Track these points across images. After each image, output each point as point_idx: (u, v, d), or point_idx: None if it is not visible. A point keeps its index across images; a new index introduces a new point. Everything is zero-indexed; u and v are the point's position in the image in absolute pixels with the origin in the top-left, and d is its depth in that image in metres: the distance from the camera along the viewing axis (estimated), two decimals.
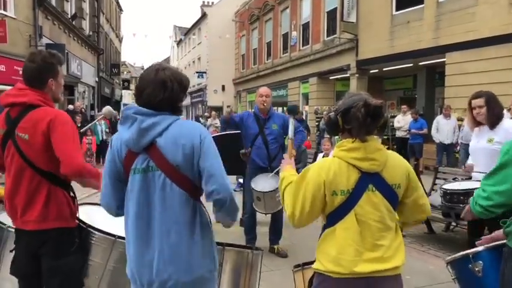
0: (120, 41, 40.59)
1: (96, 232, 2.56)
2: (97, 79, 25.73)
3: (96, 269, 2.55)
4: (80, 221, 2.57)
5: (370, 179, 1.97)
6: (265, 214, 5.20)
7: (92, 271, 2.55)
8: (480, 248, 2.34)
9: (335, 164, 2.00)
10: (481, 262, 2.30)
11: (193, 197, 1.99)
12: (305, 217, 2.01)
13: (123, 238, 2.46)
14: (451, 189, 4.41)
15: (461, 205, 4.38)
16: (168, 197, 1.95)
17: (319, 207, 2.00)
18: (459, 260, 2.42)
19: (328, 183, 1.96)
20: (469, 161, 4.53)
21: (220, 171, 1.97)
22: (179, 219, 1.95)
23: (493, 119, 4.08)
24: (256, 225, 5.40)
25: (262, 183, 4.95)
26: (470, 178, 4.46)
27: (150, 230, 1.96)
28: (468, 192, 4.23)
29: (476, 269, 2.30)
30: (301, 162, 8.42)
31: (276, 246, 5.28)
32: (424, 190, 6.70)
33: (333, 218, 2.00)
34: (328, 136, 9.76)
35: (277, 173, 5.06)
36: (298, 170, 7.62)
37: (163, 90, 1.97)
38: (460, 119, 11.22)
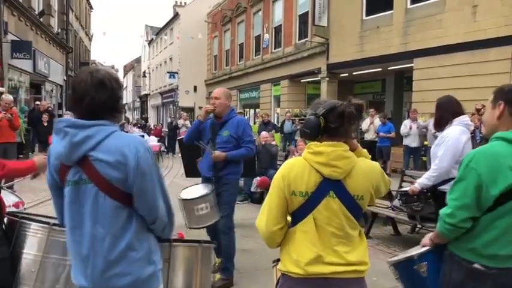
0: (90, 39, 39.83)
1: (30, 222, 2.48)
2: (65, 78, 25.17)
3: (32, 262, 2.44)
4: (11, 213, 2.48)
5: (331, 185, 1.98)
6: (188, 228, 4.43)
7: (27, 265, 2.44)
8: (423, 250, 2.41)
9: (299, 164, 2.03)
10: (425, 263, 2.39)
11: (128, 205, 1.94)
12: (272, 220, 2.04)
13: (58, 225, 2.42)
14: (403, 190, 4.66)
15: (415, 203, 4.62)
16: (100, 208, 1.90)
17: (283, 207, 2.04)
18: (405, 262, 2.49)
19: (287, 182, 2.00)
20: (416, 184, 4.71)
21: (154, 204, 1.95)
22: (112, 228, 1.91)
23: (436, 124, 4.34)
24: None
25: (191, 191, 4.43)
26: None
27: (84, 241, 1.92)
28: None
29: (422, 270, 2.39)
30: (272, 164, 8.44)
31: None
32: (391, 193, 6.85)
33: (295, 218, 2.04)
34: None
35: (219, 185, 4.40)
36: (271, 175, 7.55)
37: (104, 91, 1.90)
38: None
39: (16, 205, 3.43)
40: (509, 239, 2.06)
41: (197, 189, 4.50)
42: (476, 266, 2.08)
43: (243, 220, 6.37)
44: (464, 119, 4.34)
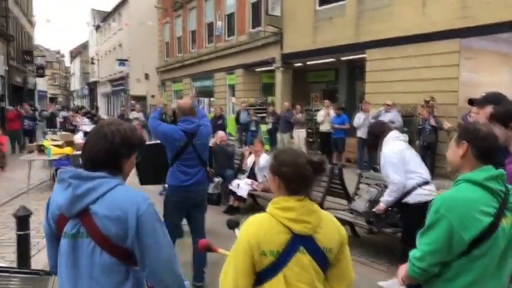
0: (33, 26, 37.82)
1: None
2: (7, 68, 23.83)
3: None
4: None
5: (301, 241, 1.90)
6: None
7: None
8: None
9: (266, 222, 1.92)
10: None
11: (125, 263, 1.88)
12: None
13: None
14: (372, 212, 5.03)
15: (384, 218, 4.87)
16: (96, 264, 1.84)
17: (252, 270, 1.91)
18: None
19: (256, 241, 1.88)
20: (381, 203, 4.89)
21: (165, 263, 1.88)
22: (109, 285, 1.86)
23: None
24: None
25: None
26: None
27: None
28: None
29: None
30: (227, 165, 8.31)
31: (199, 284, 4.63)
32: (347, 191, 6.88)
33: (261, 276, 1.93)
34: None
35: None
36: (228, 176, 7.28)
37: (104, 141, 1.90)
38: None
39: None
40: (486, 280, 2.08)
41: None
42: None
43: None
44: (391, 135, 4.63)
